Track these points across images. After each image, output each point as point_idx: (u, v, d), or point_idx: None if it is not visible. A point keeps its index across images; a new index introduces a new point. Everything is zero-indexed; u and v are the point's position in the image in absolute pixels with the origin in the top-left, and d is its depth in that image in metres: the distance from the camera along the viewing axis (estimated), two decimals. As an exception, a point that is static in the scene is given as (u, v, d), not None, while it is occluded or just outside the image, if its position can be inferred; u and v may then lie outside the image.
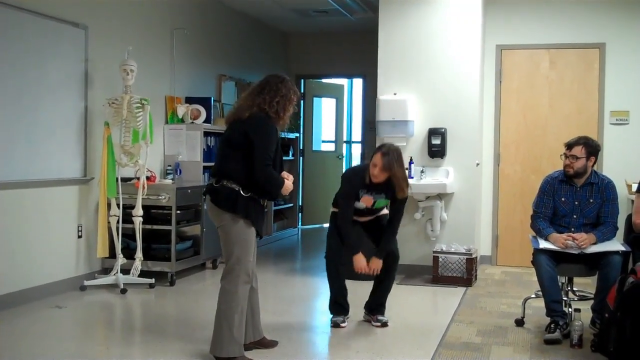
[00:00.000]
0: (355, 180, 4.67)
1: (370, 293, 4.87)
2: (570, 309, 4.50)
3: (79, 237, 5.81)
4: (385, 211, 4.89)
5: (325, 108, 10.91)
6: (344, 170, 10.95)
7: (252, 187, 3.81)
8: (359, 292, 5.04)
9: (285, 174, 3.95)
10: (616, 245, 4.53)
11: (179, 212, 6.11)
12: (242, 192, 3.79)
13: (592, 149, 4.65)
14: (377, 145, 6.71)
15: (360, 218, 4.80)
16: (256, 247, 4.06)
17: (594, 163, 4.71)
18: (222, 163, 3.88)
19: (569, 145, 4.67)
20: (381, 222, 4.83)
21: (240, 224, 3.82)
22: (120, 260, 5.82)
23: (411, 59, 6.66)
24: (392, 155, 4.52)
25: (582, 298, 4.93)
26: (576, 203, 4.67)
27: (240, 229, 3.82)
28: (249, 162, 3.77)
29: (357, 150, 11.13)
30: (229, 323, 3.79)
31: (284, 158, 9.00)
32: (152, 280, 5.85)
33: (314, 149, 10.56)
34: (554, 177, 4.79)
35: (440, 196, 6.49)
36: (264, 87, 3.91)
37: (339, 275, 4.75)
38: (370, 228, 4.85)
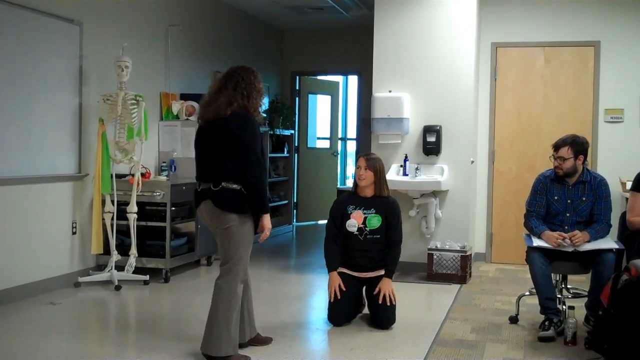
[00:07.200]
0: (344, 196, 4.88)
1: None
2: (564, 307, 4.50)
3: (73, 233, 5.79)
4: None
5: (320, 105, 10.90)
6: (339, 166, 11.05)
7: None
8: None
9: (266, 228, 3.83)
10: (610, 243, 4.54)
11: (173, 208, 6.10)
12: (244, 192, 3.76)
13: (579, 147, 4.59)
14: (372, 142, 6.78)
15: (361, 274, 4.75)
16: None
17: (584, 161, 4.66)
18: (216, 165, 3.79)
19: (556, 147, 4.63)
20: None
21: (247, 225, 3.81)
22: (115, 256, 5.81)
23: (406, 57, 6.65)
24: (376, 158, 4.79)
25: (576, 295, 4.93)
26: (569, 201, 4.67)
27: (246, 230, 3.82)
28: (239, 160, 3.73)
29: (352, 147, 11.13)
30: (228, 322, 3.77)
31: (279, 155, 9.16)
32: (147, 277, 5.85)
33: (308, 145, 10.55)
34: (546, 176, 4.77)
35: (434, 193, 6.50)
36: (238, 81, 3.81)
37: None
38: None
